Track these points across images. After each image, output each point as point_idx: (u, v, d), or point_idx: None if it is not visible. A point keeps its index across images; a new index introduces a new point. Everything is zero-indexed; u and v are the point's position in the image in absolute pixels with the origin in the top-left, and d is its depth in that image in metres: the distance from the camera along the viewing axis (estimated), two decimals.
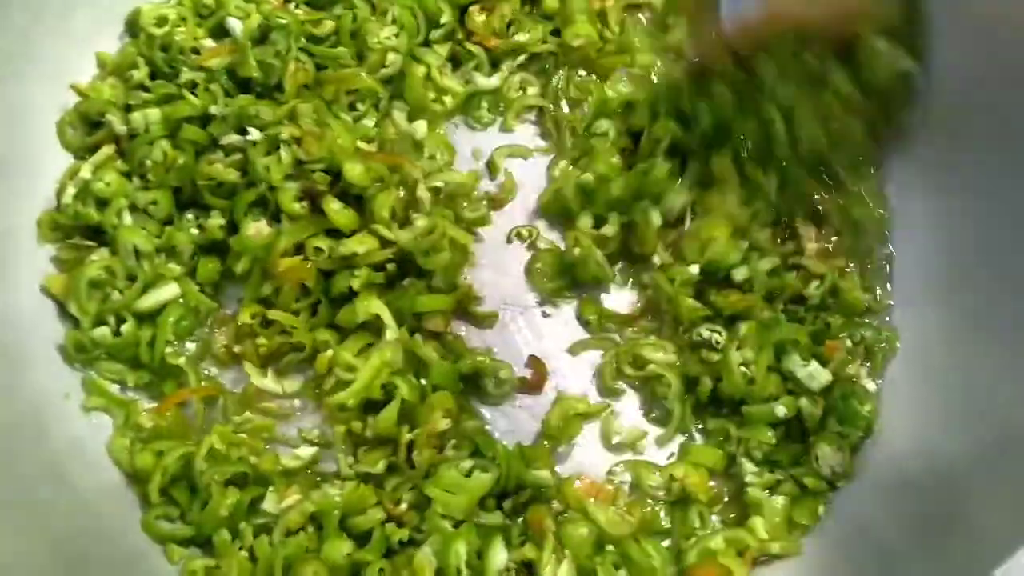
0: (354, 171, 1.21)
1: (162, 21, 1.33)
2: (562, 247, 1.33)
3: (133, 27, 1.36)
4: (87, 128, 1.31)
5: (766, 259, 1.26)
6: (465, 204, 1.32)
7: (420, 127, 1.33)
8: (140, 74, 1.32)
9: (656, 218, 1.28)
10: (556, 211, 1.35)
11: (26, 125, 1.27)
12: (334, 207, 1.22)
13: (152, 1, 1.36)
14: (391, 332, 1.21)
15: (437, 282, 1.25)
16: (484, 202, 1.35)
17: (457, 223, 1.29)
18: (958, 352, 1.18)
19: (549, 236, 1.35)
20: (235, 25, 1.32)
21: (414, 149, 1.31)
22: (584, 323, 1.31)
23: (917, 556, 1.06)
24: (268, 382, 1.24)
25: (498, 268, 1.33)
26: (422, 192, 1.24)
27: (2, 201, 1.23)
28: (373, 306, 1.21)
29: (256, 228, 1.23)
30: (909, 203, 1.30)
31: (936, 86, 1.24)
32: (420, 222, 1.23)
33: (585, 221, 1.31)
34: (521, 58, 1.41)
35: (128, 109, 1.31)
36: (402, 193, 1.24)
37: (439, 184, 1.28)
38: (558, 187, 1.34)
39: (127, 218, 1.26)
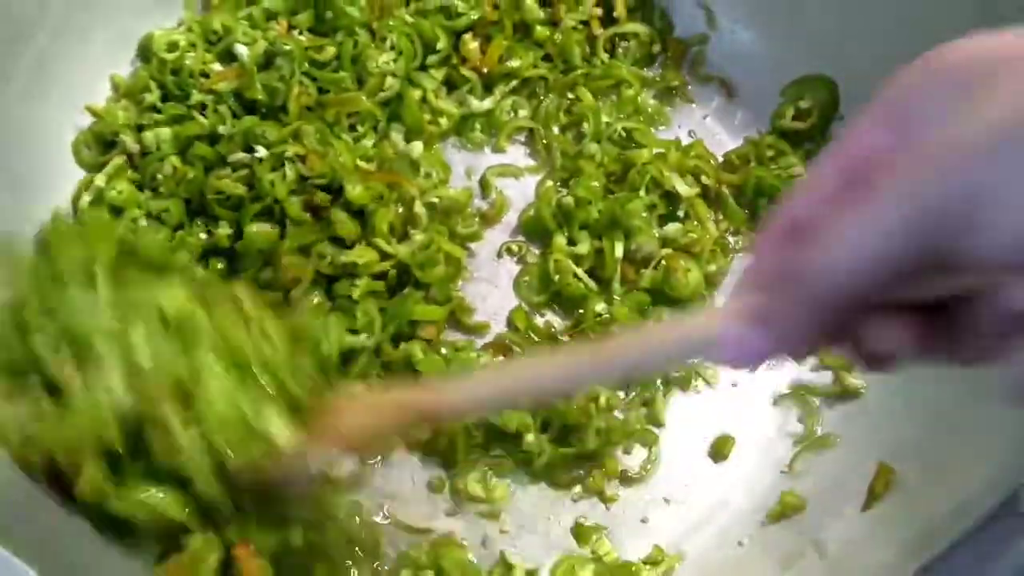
0: (355, 190, 1.29)
1: (173, 47, 1.41)
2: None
3: (146, 52, 1.43)
4: (101, 147, 1.38)
5: None
6: (459, 220, 1.39)
7: (416, 147, 1.40)
8: (152, 97, 1.39)
9: (619, 249, 1.35)
10: (535, 229, 1.43)
11: (44, 144, 1.34)
12: (340, 216, 1.29)
13: (163, 27, 1.43)
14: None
15: (433, 293, 1.32)
16: (477, 219, 1.42)
17: (451, 238, 1.36)
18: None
19: (537, 252, 1.42)
20: (242, 51, 1.39)
21: (411, 168, 1.38)
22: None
23: None
24: None
25: (490, 281, 1.40)
26: (419, 209, 1.32)
27: (20, 215, 1.27)
28: (371, 311, 1.29)
29: (259, 227, 1.31)
30: None
31: None
32: (417, 237, 1.31)
33: (560, 239, 1.38)
34: (513, 83, 1.49)
35: (140, 129, 1.38)
36: (400, 210, 1.32)
37: (434, 200, 1.36)
38: (538, 205, 1.42)
39: (142, 224, 1.33)
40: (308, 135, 1.32)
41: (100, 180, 1.34)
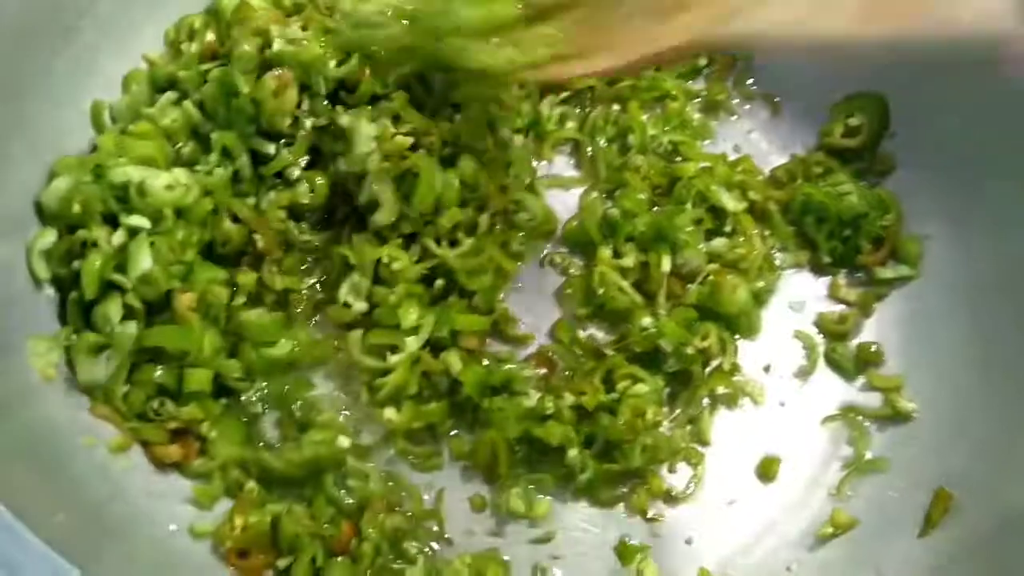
0: (468, 166, 1.26)
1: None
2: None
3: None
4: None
5: None
6: (520, 235, 1.37)
7: (519, 139, 1.38)
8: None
9: (666, 263, 1.33)
10: (579, 240, 1.40)
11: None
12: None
13: None
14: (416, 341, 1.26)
15: (477, 302, 1.29)
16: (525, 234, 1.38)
17: (502, 247, 1.33)
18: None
19: (581, 263, 1.39)
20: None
21: (503, 166, 1.35)
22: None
23: None
24: None
25: (533, 292, 1.37)
26: (483, 219, 1.29)
27: None
28: (414, 316, 1.26)
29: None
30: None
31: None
32: (468, 242, 1.29)
33: (605, 252, 1.35)
34: (564, 94, 1.47)
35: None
36: (470, 213, 1.29)
37: (521, 212, 1.34)
38: (582, 216, 1.39)
39: None
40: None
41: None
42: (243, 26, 1.28)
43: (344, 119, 1.26)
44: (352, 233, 1.28)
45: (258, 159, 1.29)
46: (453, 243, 1.29)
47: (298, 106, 1.27)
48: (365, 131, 1.25)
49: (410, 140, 1.25)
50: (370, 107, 1.27)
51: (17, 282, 1.17)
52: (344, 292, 1.27)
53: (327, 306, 1.29)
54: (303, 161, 1.29)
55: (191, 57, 1.32)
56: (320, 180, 1.28)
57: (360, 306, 1.26)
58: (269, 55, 1.26)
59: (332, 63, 1.27)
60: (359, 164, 1.25)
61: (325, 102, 1.28)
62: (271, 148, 1.28)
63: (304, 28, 1.29)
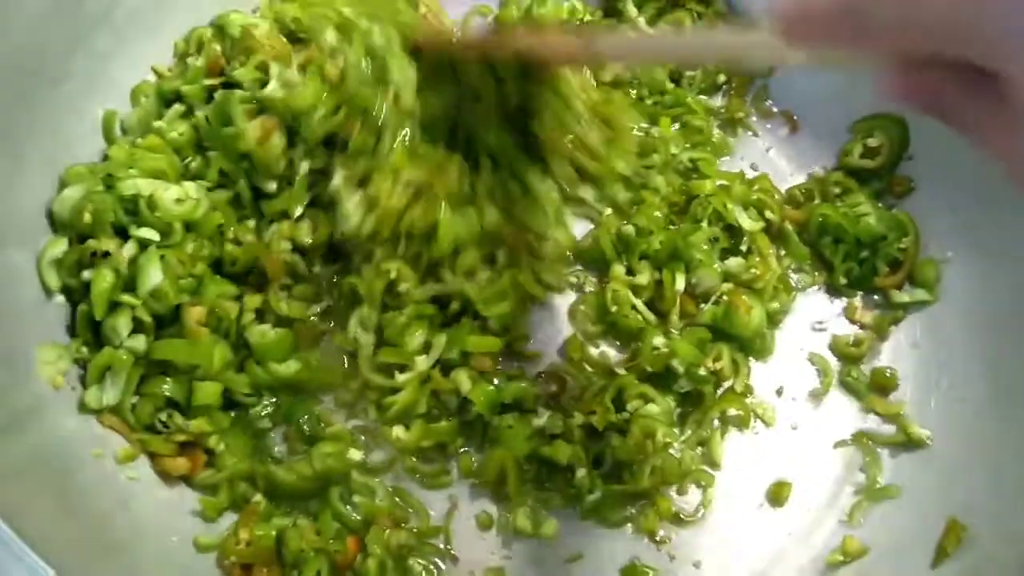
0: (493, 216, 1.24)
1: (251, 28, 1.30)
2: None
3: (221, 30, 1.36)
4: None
5: None
6: (547, 265, 1.33)
7: (549, 185, 1.30)
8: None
9: (680, 282, 1.31)
10: (593, 257, 1.38)
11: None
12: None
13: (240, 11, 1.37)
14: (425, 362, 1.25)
15: (492, 324, 1.28)
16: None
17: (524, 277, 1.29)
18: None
19: (594, 280, 1.38)
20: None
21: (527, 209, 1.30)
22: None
23: None
24: None
25: (546, 309, 1.36)
26: (501, 252, 1.26)
27: None
28: (422, 339, 1.25)
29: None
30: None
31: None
32: (483, 274, 1.26)
33: (619, 269, 1.34)
34: None
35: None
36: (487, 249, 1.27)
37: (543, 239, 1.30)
38: (597, 234, 1.37)
39: None
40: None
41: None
42: (245, 56, 1.27)
43: (332, 183, 1.22)
44: (361, 264, 1.25)
45: (260, 193, 1.28)
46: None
47: (291, 146, 1.24)
48: (348, 203, 1.21)
49: (404, 202, 1.20)
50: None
51: (27, 291, 1.17)
52: (353, 325, 1.25)
53: (333, 333, 1.28)
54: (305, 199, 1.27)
55: (195, 72, 1.30)
56: (323, 218, 1.26)
57: (368, 339, 1.25)
58: (261, 96, 1.23)
59: (321, 112, 1.21)
60: (352, 234, 1.22)
61: (319, 146, 1.24)
62: (272, 185, 1.26)
63: (303, 68, 1.23)
